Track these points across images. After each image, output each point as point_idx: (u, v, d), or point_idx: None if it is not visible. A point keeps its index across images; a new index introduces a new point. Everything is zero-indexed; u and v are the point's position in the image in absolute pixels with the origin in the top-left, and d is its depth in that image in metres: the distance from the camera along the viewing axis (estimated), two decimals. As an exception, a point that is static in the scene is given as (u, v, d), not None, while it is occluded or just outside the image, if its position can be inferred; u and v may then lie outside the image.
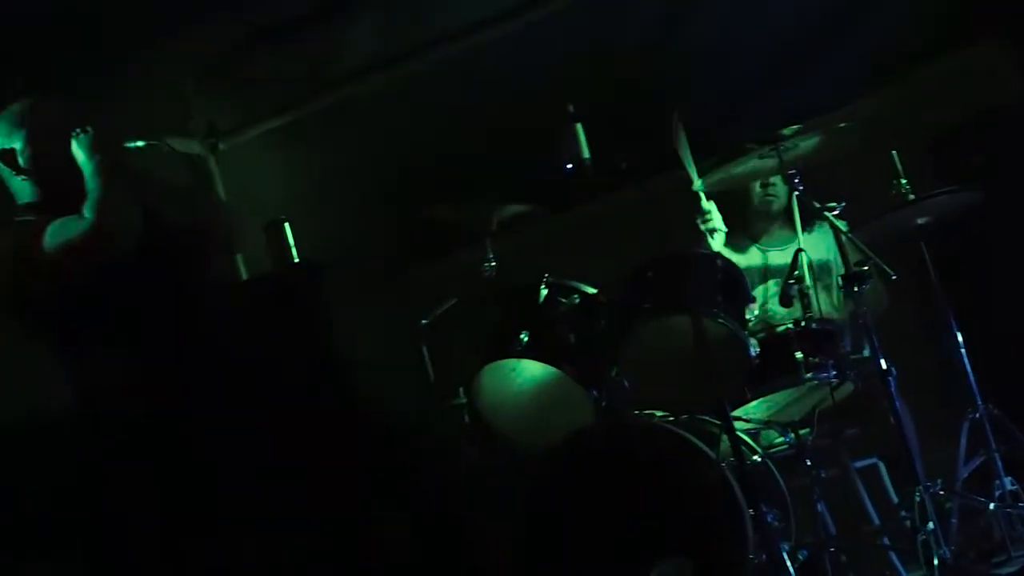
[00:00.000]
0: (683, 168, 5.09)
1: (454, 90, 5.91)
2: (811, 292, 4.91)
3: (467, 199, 5.12)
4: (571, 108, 4.86)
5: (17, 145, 3.83)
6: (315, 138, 6.14)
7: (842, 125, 4.87)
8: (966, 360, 4.92)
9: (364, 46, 5.81)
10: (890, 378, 4.68)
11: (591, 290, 4.85)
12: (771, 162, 4.88)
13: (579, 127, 4.79)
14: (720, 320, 4.64)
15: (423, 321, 5.26)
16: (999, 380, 5.14)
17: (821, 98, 5.81)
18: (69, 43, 5.11)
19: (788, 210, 5.34)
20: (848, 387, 4.86)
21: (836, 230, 4.89)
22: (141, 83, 5.57)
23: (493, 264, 5.07)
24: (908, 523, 4.61)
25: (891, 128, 5.82)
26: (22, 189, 3.89)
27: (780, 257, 5.40)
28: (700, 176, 5.07)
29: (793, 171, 4.96)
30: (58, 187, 3.82)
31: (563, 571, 4.48)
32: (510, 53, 5.83)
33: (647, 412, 4.81)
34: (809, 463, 4.74)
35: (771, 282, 5.38)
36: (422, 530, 3.76)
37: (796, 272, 4.89)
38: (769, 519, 4.49)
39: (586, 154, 4.82)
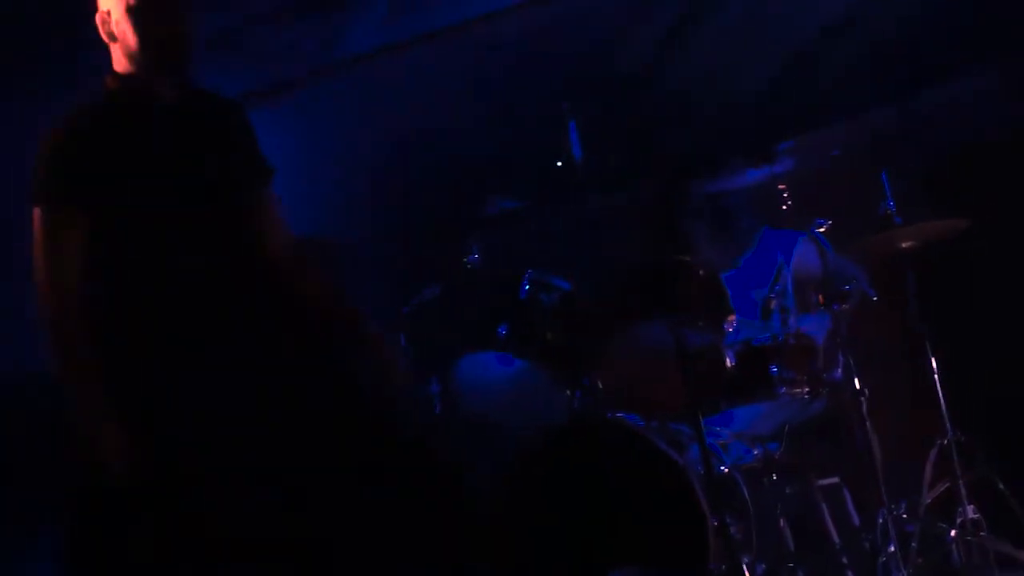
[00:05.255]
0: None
1: (454, 80, 5.91)
2: (790, 307, 4.96)
3: (458, 188, 5.14)
4: (566, 106, 4.88)
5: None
6: (313, 116, 6.14)
7: (834, 154, 4.93)
8: (938, 386, 4.94)
9: (371, 29, 5.81)
10: (861, 399, 4.72)
11: (573, 289, 4.87)
12: (761, 176, 4.92)
13: (572, 125, 4.80)
14: (699, 329, 4.67)
15: (404, 308, 5.28)
16: (971, 408, 5.16)
17: (817, 117, 5.83)
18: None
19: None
20: (819, 405, 4.89)
21: (820, 248, 4.92)
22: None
23: (477, 256, 5.09)
24: (868, 544, 4.65)
25: (885, 151, 5.84)
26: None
27: None
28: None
29: (783, 186, 4.99)
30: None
31: (522, 568, 4.51)
32: (513, 47, 5.83)
33: (619, 415, 4.84)
34: (774, 477, 4.78)
35: None
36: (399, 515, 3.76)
37: (777, 286, 4.92)
38: (731, 530, 4.51)
39: (577, 153, 4.84)
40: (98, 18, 3.53)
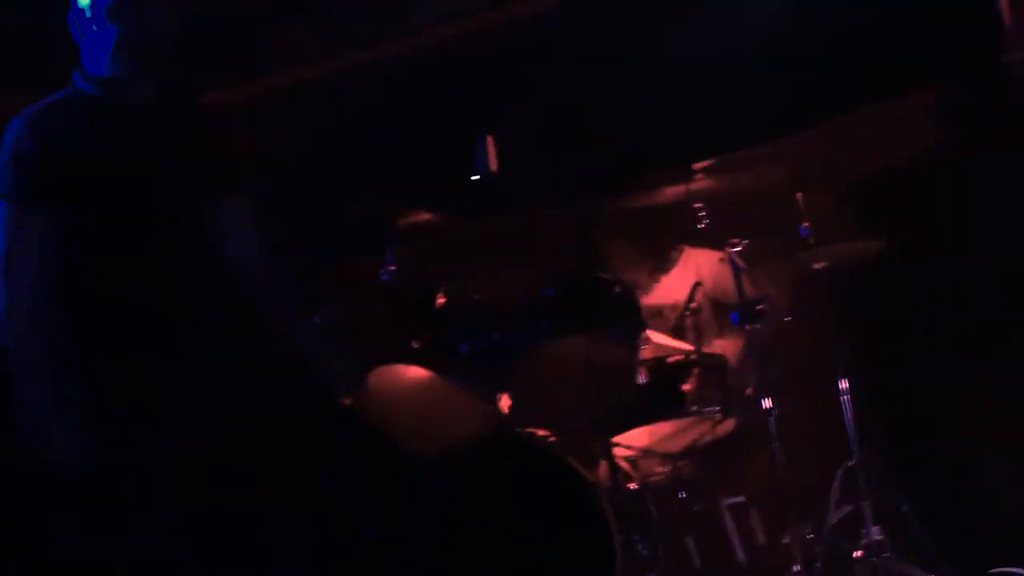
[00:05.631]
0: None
1: (372, 92, 5.90)
2: (704, 326, 4.99)
3: (374, 200, 5.12)
4: (483, 120, 4.88)
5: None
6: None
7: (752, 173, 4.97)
8: (847, 407, 4.97)
9: (291, 43, 5.79)
10: (770, 418, 4.76)
11: (487, 302, 4.87)
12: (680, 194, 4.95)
13: (490, 140, 4.79)
14: (612, 345, 4.68)
15: (315, 320, 5.24)
16: (879, 430, 5.20)
17: (739, 135, 5.85)
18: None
19: None
20: (730, 423, 4.92)
21: (735, 267, 4.95)
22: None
23: (392, 268, 5.06)
24: (773, 564, 4.67)
25: (805, 171, 5.87)
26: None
27: None
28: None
29: (699, 205, 5.02)
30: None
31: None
32: (433, 62, 5.83)
33: (530, 429, 4.83)
34: (683, 495, 4.80)
35: None
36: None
37: (691, 304, 4.95)
38: (638, 547, 4.53)
39: (495, 167, 4.83)
40: (71, 16, 3.50)
